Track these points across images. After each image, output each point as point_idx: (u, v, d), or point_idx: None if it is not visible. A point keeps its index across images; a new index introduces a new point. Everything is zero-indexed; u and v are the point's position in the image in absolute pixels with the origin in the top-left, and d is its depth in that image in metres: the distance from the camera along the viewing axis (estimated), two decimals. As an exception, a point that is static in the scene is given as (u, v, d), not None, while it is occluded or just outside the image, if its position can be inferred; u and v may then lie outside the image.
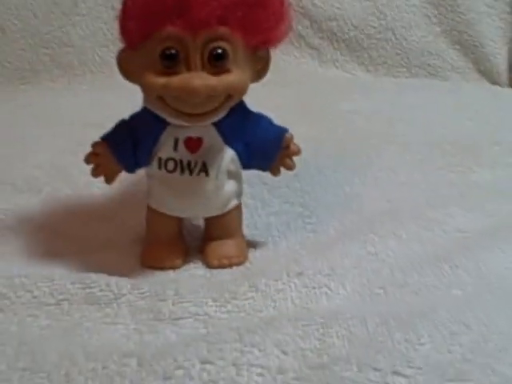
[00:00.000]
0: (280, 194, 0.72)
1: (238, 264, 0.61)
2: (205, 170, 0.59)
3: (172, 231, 0.62)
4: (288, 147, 0.61)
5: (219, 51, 0.54)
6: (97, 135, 0.59)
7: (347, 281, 0.58)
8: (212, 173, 0.59)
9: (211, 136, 0.59)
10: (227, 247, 0.62)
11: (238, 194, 0.62)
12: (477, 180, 0.76)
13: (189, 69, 0.54)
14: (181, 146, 0.58)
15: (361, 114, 0.94)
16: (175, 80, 0.54)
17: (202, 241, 0.63)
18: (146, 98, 0.57)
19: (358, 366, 0.46)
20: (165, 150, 0.59)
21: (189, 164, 0.58)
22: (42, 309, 0.54)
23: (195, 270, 0.61)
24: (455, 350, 0.47)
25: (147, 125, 0.59)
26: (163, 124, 0.58)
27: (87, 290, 0.56)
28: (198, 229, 0.65)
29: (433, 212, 0.67)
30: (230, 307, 0.55)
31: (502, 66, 1.09)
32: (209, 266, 0.61)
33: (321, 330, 0.50)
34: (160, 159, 0.59)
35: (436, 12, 1.10)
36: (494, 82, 1.09)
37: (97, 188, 0.72)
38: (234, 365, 0.47)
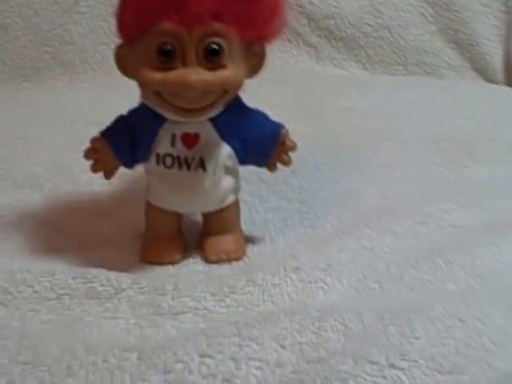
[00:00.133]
0: (277, 190, 0.73)
1: (237, 259, 0.62)
2: (202, 165, 0.59)
3: (171, 227, 0.63)
4: (284, 143, 0.61)
5: (215, 47, 0.55)
6: (98, 133, 0.60)
7: (343, 276, 0.58)
8: (209, 168, 0.59)
9: (208, 132, 0.59)
10: (226, 242, 0.62)
11: (236, 190, 0.62)
12: (472, 177, 0.76)
13: (185, 64, 0.54)
14: (178, 141, 0.59)
15: (358, 112, 0.94)
16: (172, 75, 0.54)
17: (201, 236, 0.64)
18: (144, 94, 0.57)
19: (354, 359, 0.47)
20: (162, 145, 0.59)
21: (186, 159, 0.59)
22: (43, 303, 0.55)
23: (194, 265, 0.61)
24: (449, 343, 0.48)
25: (145, 121, 0.59)
26: (161, 120, 0.58)
27: (88, 285, 0.57)
28: (197, 224, 0.66)
29: (429, 208, 0.68)
30: (228, 301, 0.55)
31: (498, 65, 1.09)
32: (207, 260, 0.62)
33: (317, 324, 0.50)
34: (158, 155, 0.59)
35: (432, 11, 1.10)
36: (490, 80, 1.09)
37: (97, 185, 0.72)
38: (232, 359, 0.47)
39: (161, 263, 0.61)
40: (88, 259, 0.61)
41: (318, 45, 1.11)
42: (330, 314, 0.51)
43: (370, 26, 1.09)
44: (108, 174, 0.61)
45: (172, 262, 0.61)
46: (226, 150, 0.60)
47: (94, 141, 0.59)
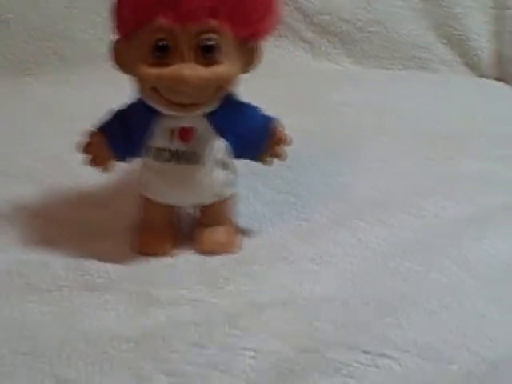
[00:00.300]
0: (273, 184, 0.73)
1: (231, 250, 0.62)
2: (197, 159, 0.59)
3: (165, 218, 0.63)
4: (275, 135, 0.61)
5: (209, 43, 0.55)
6: (92, 127, 0.60)
7: (336, 267, 0.59)
8: (204, 162, 0.59)
9: (203, 126, 0.59)
10: (220, 234, 0.62)
11: (231, 184, 0.62)
12: (464, 171, 0.76)
13: (181, 60, 0.55)
14: (173, 136, 0.59)
15: (351, 106, 0.94)
16: (167, 71, 0.54)
17: (196, 227, 0.64)
18: (140, 89, 0.57)
19: (347, 348, 0.48)
20: (158, 139, 0.59)
21: (181, 153, 0.59)
22: (42, 295, 0.55)
23: (188, 256, 0.61)
24: (441, 333, 0.49)
25: (140, 115, 0.59)
26: (156, 114, 0.59)
27: (86, 277, 0.57)
28: (191, 216, 0.66)
29: (421, 201, 0.68)
30: (222, 292, 0.56)
31: (488, 59, 1.10)
32: (202, 251, 0.62)
33: (310, 315, 0.51)
34: (153, 149, 0.60)
35: (424, 6, 1.10)
36: (481, 75, 1.09)
37: (93, 177, 0.72)
38: (227, 349, 0.48)
39: (155, 254, 0.61)
40: (84, 250, 0.61)
41: (314, 40, 1.11)
42: (323, 305, 0.52)
43: (364, 21, 1.10)
44: (104, 168, 0.61)
45: (166, 253, 0.61)
46: (220, 145, 0.60)
47: (91, 135, 0.60)
